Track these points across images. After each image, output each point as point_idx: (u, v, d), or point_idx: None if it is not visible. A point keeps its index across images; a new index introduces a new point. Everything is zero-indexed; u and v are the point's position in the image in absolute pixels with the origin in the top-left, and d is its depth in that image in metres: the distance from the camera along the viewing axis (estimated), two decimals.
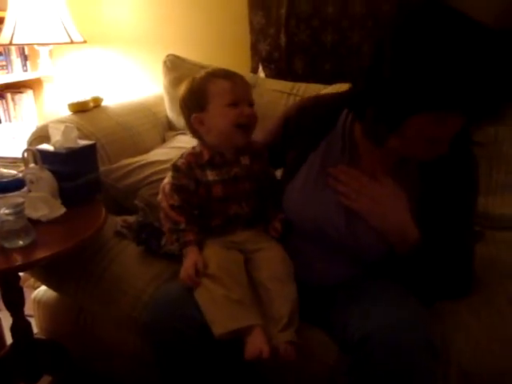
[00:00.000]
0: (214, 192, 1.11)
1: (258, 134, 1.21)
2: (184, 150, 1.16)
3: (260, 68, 2.09)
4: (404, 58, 0.87)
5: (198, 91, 1.11)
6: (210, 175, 1.11)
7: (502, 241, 1.45)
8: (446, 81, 0.84)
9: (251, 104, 1.13)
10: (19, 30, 2.10)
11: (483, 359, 1.02)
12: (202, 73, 1.14)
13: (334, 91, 1.74)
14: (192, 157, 1.13)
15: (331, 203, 1.09)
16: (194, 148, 1.16)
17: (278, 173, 1.25)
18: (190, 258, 1.07)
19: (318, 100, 1.25)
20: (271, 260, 1.11)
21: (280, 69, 2.04)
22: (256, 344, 0.98)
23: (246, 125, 1.11)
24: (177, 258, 1.17)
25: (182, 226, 1.10)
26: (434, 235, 1.02)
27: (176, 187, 1.13)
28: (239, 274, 1.08)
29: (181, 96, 1.16)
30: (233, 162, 1.14)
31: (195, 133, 1.15)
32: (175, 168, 1.14)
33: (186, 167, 1.12)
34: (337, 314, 1.08)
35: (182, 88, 1.16)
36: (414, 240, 1.01)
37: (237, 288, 1.04)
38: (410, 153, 1.00)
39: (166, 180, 1.18)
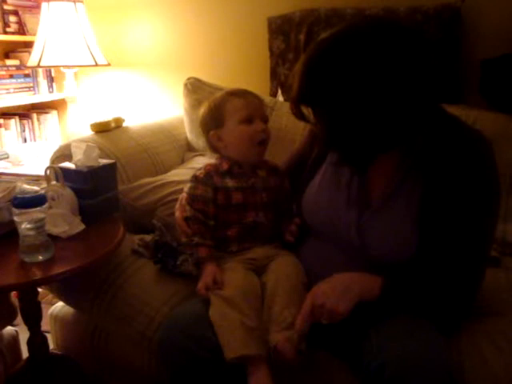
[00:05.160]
0: (233, 198, 1.15)
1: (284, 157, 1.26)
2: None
3: (279, 92, 2.11)
4: None
5: (215, 109, 1.19)
6: (230, 182, 1.16)
7: None
8: None
9: (265, 120, 1.20)
10: (47, 53, 2.17)
11: None
12: (221, 92, 1.22)
13: None
14: (211, 167, 1.19)
15: (344, 201, 1.09)
16: (212, 161, 1.22)
17: None
18: (208, 270, 1.10)
19: None
20: (283, 264, 1.13)
21: None
22: (260, 381, 0.97)
23: (261, 141, 1.17)
24: (193, 278, 1.18)
25: (196, 239, 1.13)
26: (434, 248, 0.97)
27: (191, 197, 1.16)
28: (256, 299, 1.08)
29: (201, 114, 1.23)
30: (250, 173, 1.19)
31: (214, 148, 1.22)
32: (193, 178, 1.19)
33: (205, 176, 1.17)
34: (354, 341, 1.02)
35: (203, 107, 1.23)
36: (378, 288, 0.96)
37: (252, 314, 1.03)
38: None
39: (184, 192, 1.22)
